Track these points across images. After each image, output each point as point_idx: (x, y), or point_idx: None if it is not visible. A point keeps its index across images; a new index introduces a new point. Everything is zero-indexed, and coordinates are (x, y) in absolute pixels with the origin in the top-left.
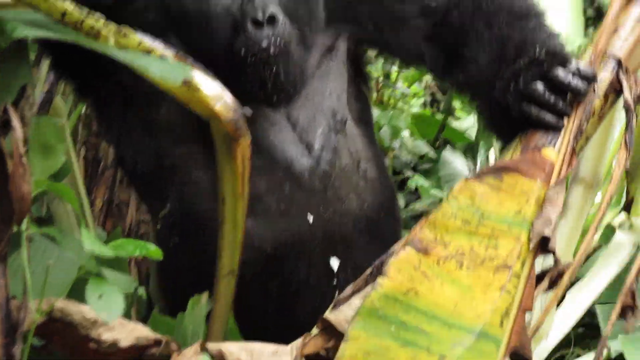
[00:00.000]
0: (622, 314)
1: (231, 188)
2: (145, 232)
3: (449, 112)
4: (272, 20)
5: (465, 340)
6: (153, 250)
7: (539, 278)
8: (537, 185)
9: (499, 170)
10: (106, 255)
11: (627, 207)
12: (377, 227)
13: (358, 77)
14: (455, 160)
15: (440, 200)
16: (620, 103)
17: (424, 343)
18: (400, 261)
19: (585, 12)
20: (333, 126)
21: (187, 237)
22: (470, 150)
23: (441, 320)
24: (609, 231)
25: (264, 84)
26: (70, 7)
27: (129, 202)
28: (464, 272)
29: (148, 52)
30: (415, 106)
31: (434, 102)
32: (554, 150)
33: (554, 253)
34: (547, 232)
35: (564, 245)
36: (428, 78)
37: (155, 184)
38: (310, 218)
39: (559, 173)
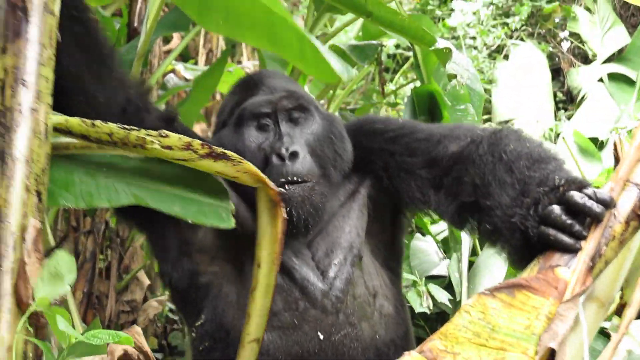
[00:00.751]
0: None
1: (268, 254)
2: (125, 322)
3: None
4: (294, 155)
5: None
6: (124, 338)
7: None
8: (549, 302)
9: (512, 287)
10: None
11: (619, 312)
12: None
13: (384, 222)
14: (427, 249)
15: (414, 283)
16: None
17: None
18: None
19: (555, 95)
20: (349, 259)
21: (217, 341)
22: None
23: None
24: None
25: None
26: (114, 127)
27: (108, 294)
28: None
29: (187, 145)
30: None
31: None
32: (567, 270)
33: None
34: (553, 345)
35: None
36: None
37: (192, 299)
38: (321, 336)
39: (572, 291)
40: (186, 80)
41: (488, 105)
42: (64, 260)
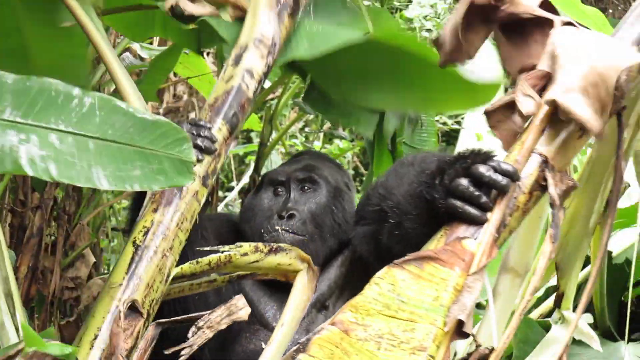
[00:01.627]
0: None
1: (292, 317)
2: (68, 299)
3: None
4: (291, 216)
5: None
6: (69, 354)
7: None
8: (456, 274)
9: (421, 259)
10: None
11: (558, 302)
12: None
13: (360, 275)
14: None
15: None
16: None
17: None
18: (322, 339)
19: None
20: (317, 306)
21: None
22: None
23: None
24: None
25: None
26: (211, 257)
27: (53, 269)
28: (381, 353)
29: (256, 248)
30: None
31: (357, 176)
32: (474, 241)
33: (473, 336)
34: (462, 316)
35: (490, 332)
36: (352, 152)
37: None
38: None
39: (479, 263)
40: (142, 59)
41: None
42: None
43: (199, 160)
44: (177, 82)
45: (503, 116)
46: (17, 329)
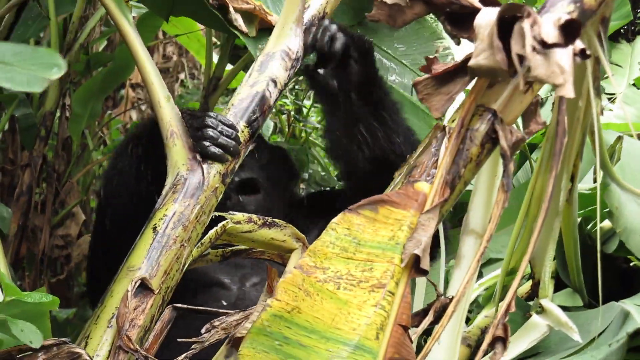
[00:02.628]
0: (492, 345)
1: None
2: (58, 257)
3: None
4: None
5: (342, 352)
6: (49, 302)
7: (425, 311)
8: (410, 214)
9: (375, 203)
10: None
11: (535, 291)
12: None
13: None
14: None
15: None
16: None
17: (303, 356)
18: (286, 282)
19: None
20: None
21: None
22: None
23: (319, 334)
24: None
25: None
26: (212, 233)
27: (43, 228)
28: (341, 292)
29: (249, 219)
30: None
31: None
32: (426, 183)
33: (433, 285)
34: (417, 251)
35: (460, 292)
36: None
37: None
38: None
39: (432, 202)
40: None
41: None
42: None
43: (220, 158)
44: (167, 42)
45: (432, 88)
46: None
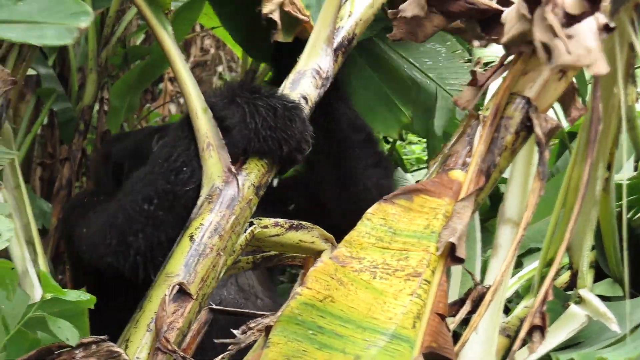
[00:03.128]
0: (529, 334)
1: None
2: None
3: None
4: None
5: (379, 341)
6: (87, 300)
7: (463, 300)
8: (445, 202)
9: (410, 192)
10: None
11: (573, 281)
12: None
13: None
14: (408, 179)
15: None
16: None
17: (339, 345)
18: (317, 271)
19: None
20: None
21: None
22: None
23: (355, 323)
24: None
25: None
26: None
27: None
28: (377, 281)
29: (275, 223)
30: None
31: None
32: (461, 171)
33: (470, 274)
34: (453, 239)
35: (497, 281)
36: None
37: None
38: None
39: (467, 190)
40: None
41: None
42: (1, 222)
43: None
44: (204, 35)
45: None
46: (39, 277)
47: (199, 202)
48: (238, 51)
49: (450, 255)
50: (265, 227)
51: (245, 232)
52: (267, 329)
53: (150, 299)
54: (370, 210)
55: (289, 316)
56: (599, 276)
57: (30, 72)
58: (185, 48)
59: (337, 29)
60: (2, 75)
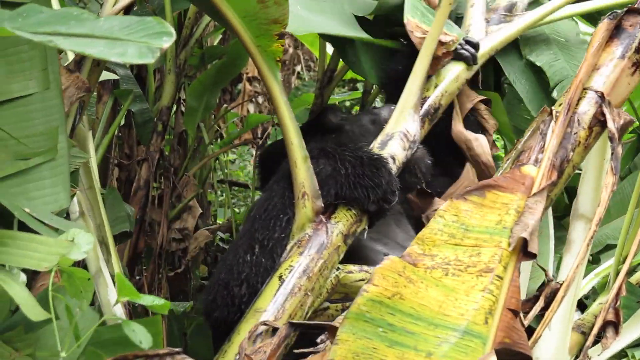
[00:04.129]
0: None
1: None
2: (176, 250)
3: None
4: None
5: (451, 338)
6: (160, 305)
7: (536, 297)
8: (517, 198)
9: (482, 188)
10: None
11: None
12: None
13: None
14: None
15: None
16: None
17: (411, 342)
18: (384, 269)
19: None
20: None
21: None
22: None
23: (426, 320)
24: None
25: None
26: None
27: (161, 221)
28: (448, 278)
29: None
30: None
31: None
32: (533, 167)
33: (544, 270)
34: (525, 235)
35: (570, 277)
36: None
37: None
38: None
39: (539, 185)
40: None
41: None
42: (81, 235)
43: None
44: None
45: None
46: (113, 279)
47: (289, 247)
48: (315, 50)
49: (523, 250)
50: (350, 272)
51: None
52: (331, 330)
53: (239, 332)
54: (442, 206)
55: (357, 313)
56: None
57: (109, 75)
58: None
59: (424, 99)
60: (77, 82)
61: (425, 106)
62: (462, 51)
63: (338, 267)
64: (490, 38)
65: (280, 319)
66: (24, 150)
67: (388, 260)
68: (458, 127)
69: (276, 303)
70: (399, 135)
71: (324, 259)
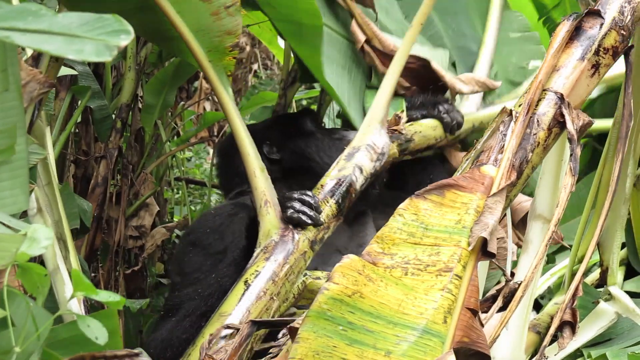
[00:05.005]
0: (559, 330)
1: None
2: (133, 247)
3: None
4: None
5: (410, 337)
6: (116, 302)
7: (495, 297)
8: (477, 197)
9: (442, 188)
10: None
11: (603, 278)
12: None
13: None
14: None
15: None
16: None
17: (370, 341)
18: (344, 267)
19: None
20: None
21: None
22: None
23: (386, 319)
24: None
25: None
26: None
27: (118, 219)
28: (408, 277)
29: None
30: None
31: None
32: (492, 167)
33: (494, 255)
34: (484, 234)
35: (525, 275)
36: None
37: None
38: None
39: (499, 185)
40: None
41: None
42: (40, 230)
43: (305, 225)
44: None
45: None
46: (70, 275)
47: (255, 253)
48: (273, 49)
49: (482, 250)
50: (318, 278)
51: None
52: (291, 330)
53: (203, 335)
54: (402, 205)
55: (318, 311)
56: (629, 273)
57: (67, 71)
58: None
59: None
60: (38, 77)
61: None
62: (445, 116)
63: (305, 273)
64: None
65: (245, 322)
66: None
67: (348, 259)
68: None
69: (241, 307)
70: (365, 147)
71: (290, 264)
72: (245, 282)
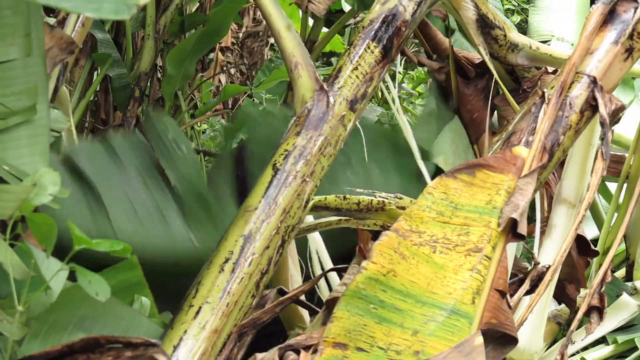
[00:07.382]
0: (587, 314)
1: None
2: None
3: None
4: None
5: (438, 317)
6: (121, 249)
7: (521, 281)
8: (508, 178)
9: (472, 167)
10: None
11: (629, 272)
12: None
13: None
14: None
15: None
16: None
17: (398, 320)
18: (382, 244)
19: None
20: None
21: None
22: None
23: (415, 297)
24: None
25: None
26: (360, 197)
27: None
28: (437, 255)
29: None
30: (420, 106)
31: None
32: (524, 148)
33: (531, 254)
34: (515, 215)
35: (549, 260)
36: None
37: None
38: None
39: (530, 166)
40: None
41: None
42: (47, 174)
43: None
44: (257, 6)
45: None
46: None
47: (288, 126)
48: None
49: (512, 231)
50: (402, 207)
51: None
52: (329, 303)
53: (226, 237)
54: (431, 184)
55: (354, 290)
56: None
57: None
58: (241, 16)
59: None
60: (61, 43)
61: None
62: None
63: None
64: None
65: (273, 215)
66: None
67: (386, 236)
68: None
69: (267, 197)
70: None
71: (324, 135)
72: (274, 165)
